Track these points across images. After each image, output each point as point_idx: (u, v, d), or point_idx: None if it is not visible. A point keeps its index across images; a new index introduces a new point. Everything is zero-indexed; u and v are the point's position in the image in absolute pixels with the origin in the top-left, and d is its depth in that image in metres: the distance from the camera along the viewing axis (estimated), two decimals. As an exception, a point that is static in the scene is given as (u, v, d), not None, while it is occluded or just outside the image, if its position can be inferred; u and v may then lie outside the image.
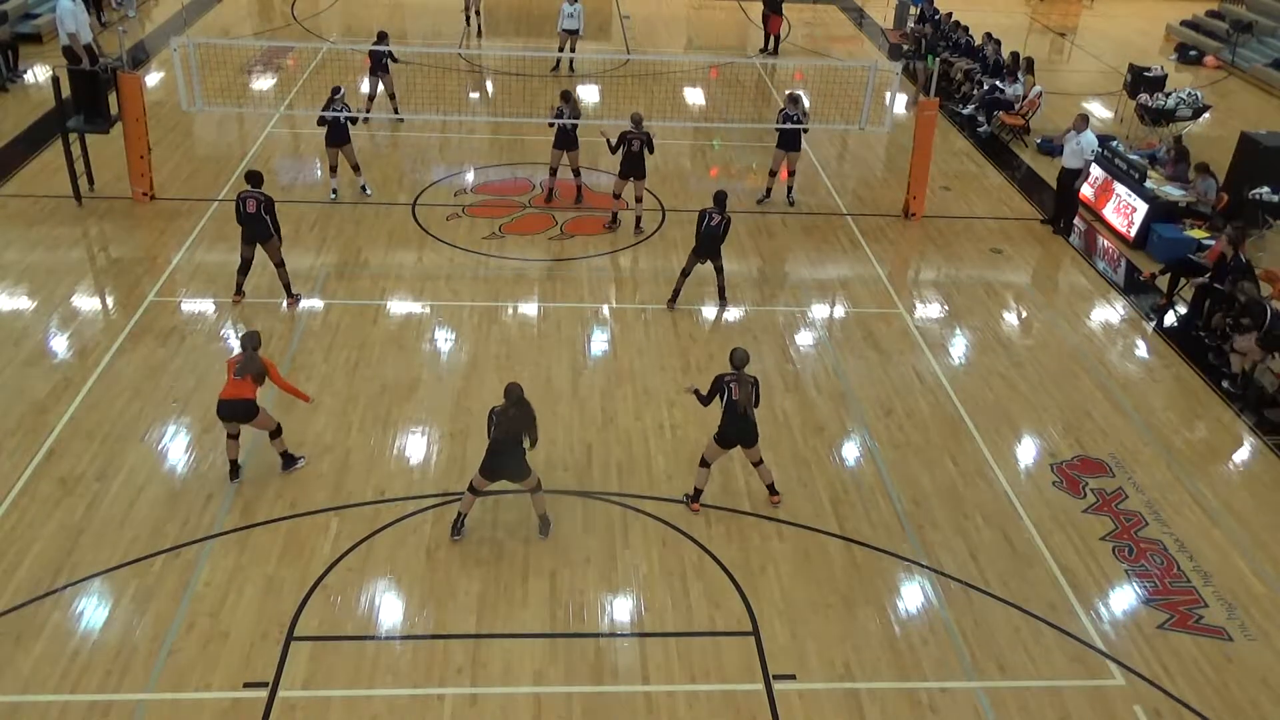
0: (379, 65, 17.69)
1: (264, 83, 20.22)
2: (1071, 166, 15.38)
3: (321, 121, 14.68)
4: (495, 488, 9.56)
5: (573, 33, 20.97)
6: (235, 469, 9.61)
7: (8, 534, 8.84)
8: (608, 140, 14.37)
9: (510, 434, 8.56)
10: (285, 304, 12.46)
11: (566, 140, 15.04)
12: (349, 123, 14.65)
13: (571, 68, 21.63)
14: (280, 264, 12.34)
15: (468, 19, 23.96)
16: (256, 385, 9.27)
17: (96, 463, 9.73)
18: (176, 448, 10.02)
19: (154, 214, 14.48)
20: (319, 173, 16.14)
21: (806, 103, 15.51)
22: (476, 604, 8.42)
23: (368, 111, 17.87)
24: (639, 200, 14.70)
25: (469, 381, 11.20)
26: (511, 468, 8.72)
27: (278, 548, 8.86)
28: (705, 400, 9.28)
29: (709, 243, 12.50)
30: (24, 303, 12.24)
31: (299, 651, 7.90)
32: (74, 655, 7.76)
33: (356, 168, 15.18)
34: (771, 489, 9.69)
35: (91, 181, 14.90)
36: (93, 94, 14.33)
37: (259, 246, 12.14)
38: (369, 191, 15.30)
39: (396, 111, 18.12)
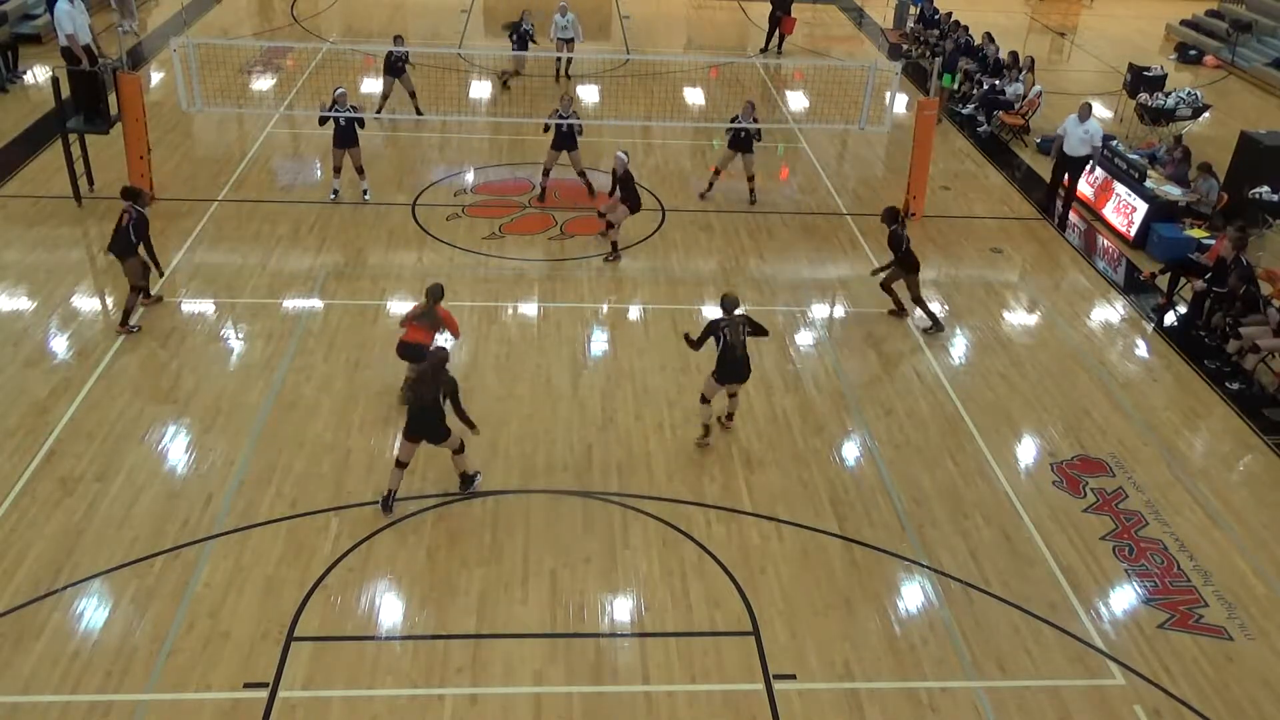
0: (394, 67, 17.70)
1: (264, 83, 20.22)
2: (1078, 154, 15.81)
3: (323, 122, 14.67)
4: (495, 486, 9.59)
5: (569, 40, 20.87)
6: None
7: (8, 534, 8.84)
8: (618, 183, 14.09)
9: (423, 395, 8.91)
10: (117, 328, 11.68)
11: (565, 141, 15.02)
12: (357, 124, 14.64)
13: (568, 72, 21.51)
14: (135, 289, 11.63)
15: (504, 83, 20.92)
16: (432, 333, 10.19)
17: (96, 463, 9.73)
18: (176, 448, 10.02)
19: (154, 214, 14.27)
20: (319, 173, 16.14)
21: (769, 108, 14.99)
22: (476, 604, 8.42)
23: (379, 111, 17.91)
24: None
25: (469, 381, 11.18)
26: (428, 429, 9.02)
27: (278, 548, 8.86)
28: (697, 344, 10.01)
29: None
30: (24, 303, 12.24)
31: (299, 652, 7.90)
32: (74, 656, 7.76)
33: (361, 170, 15.15)
34: (730, 417, 10.55)
35: (91, 182, 14.90)
36: (93, 94, 14.33)
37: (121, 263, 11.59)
38: (368, 196, 15.30)
39: (419, 111, 18.11)
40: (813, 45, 25.50)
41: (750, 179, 15.77)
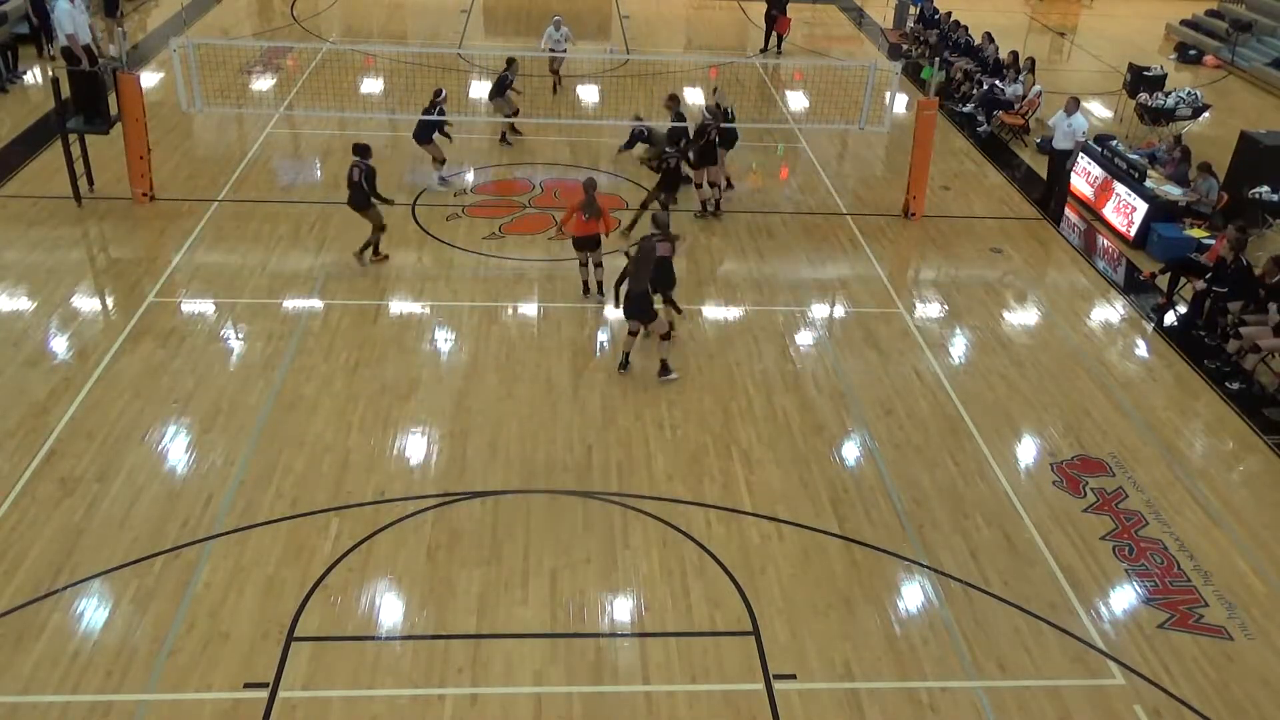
0: (501, 88, 17.25)
1: (264, 83, 20.23)
2: (1062, 148, 16.11)
3: (435, 128, 15.27)
4: (495, 486, 9.60)
5: (562, 52, 20.54)
6: (586, 288, 12.89)
7: (8, 534, 8.84)
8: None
9: (640, 280, 10.57)
10: (371, 258, 13.50)
11: (713, 155, 15.12)
12: (441, 127, 15.41)
13: (559, 72, 21.17)
14: (379, 228, 13.30)
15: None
16: (599, 221, 12.09)
17: (96, 463, 9.73)
18: (176, 448, 10.02)
19: (154, 214, 14.47)
20: (319, 173, 16.16)
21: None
22: (476, 604, 8.42)
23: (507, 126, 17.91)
24: (714, 185, 15.37)
25: (469, 381, 11.20)
26: (640, 311, 10.81)
27: (278, 548, 8.86)
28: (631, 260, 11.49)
29: None
30: (24, 303, 12.24)
31: (299, 652, 7.90)
32: (74, 656, 7.76)
33: (441, 161, 15.70)
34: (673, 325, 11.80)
35: (91, 182, 14.90)
36: (93, 95, 14.33)
37: (359, 214, 13.11)
38: (448, 180, 15.83)
39: (511, 132, 17.86)
40: (812, 45, 25.49)
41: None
